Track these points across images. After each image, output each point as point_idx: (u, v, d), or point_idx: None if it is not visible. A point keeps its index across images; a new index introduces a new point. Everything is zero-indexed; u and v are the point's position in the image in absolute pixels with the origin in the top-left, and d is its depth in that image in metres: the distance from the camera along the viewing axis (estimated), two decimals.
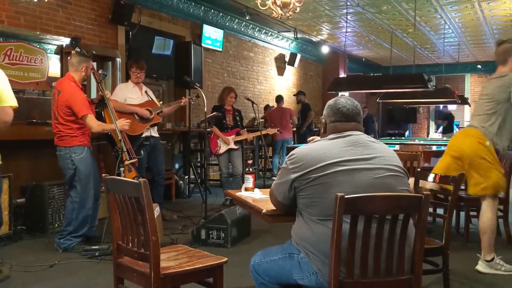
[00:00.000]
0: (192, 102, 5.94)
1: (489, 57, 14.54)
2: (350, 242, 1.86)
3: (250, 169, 3.08)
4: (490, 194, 3.75)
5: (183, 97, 5.72)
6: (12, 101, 3.08)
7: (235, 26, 9.85)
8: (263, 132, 6.78)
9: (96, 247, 4.14)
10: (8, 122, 3.09)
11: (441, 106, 14.22)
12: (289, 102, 11.56)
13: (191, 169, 7.67)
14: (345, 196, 1.81)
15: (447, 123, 13.05)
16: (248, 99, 6.80)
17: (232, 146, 6.44)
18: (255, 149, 9.66)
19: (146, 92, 5.45)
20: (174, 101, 6.08)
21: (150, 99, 5.45)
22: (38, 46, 5.63)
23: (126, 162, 4.27)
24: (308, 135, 9.37)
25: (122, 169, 4.25)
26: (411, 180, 2.90)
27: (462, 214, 4.87)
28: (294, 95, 11.49)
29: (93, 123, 4.18)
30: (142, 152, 5.05)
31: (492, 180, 3.70)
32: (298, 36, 10.86)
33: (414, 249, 1.99)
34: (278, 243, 2.30)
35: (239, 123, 6.57)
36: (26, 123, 5.12)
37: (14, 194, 4.65)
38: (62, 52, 5.87)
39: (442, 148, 7.00)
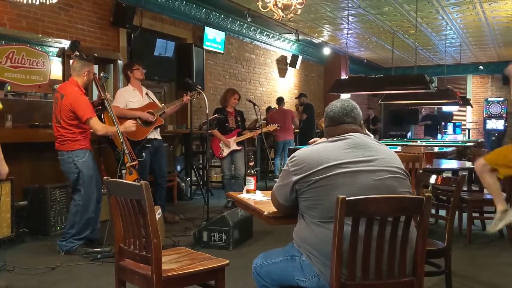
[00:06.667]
0: (194, 99, 5.93)
1: (491, 58, 14.52)
2: (351, 244, 1.86)
3: (252, 171, 3.07)
4: None
5: (185, 94, 5.70)
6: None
7: (237, 28, 9.86)
8: (264, 129, 6.77)
9: (98, 249, 4.14)
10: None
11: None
12: (290, 103, 11.55)
13: (193, 171, 7.67)
14: (347, 198, 1.81)
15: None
16: (250, 101, 6.79)
17: (235, 147, 6.44)
18: (256, 151, 9.65)
19: (147, 94, 5.41)
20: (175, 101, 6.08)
21: (152, 101, 5.42)
22: (40, 49, 5.65)
23: (128, 165, 4.27)
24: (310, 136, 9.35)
25: (123, 171, 4.25)
26: None
27: (465, 215, 4.85)
28: (296, 97, 11.48)
29: (97, 125, 4.19)
30: (144, 154, 5.03)
31: None
32: (300, 37, 10.86)
33: (416, 250, 1.98)
34: (280, 245, 2.30)
35: (239, 123, 6.56)
36: (28, 125, 5.13)
37: (16, 196, 4.65)
38: (64, 54, 5.88)
39: (444, 149, 6.97)
